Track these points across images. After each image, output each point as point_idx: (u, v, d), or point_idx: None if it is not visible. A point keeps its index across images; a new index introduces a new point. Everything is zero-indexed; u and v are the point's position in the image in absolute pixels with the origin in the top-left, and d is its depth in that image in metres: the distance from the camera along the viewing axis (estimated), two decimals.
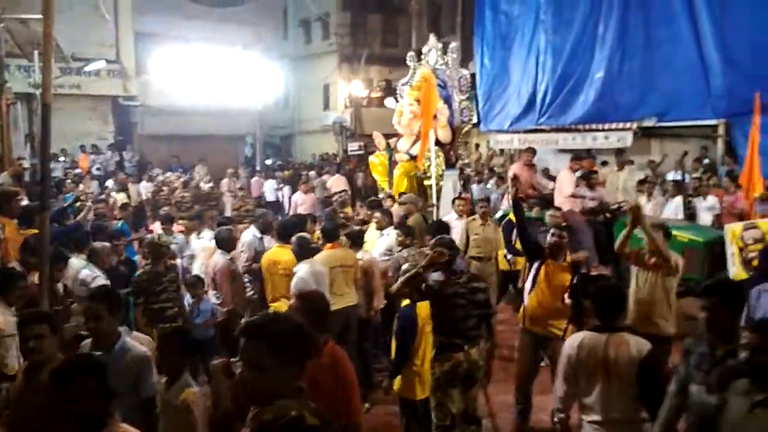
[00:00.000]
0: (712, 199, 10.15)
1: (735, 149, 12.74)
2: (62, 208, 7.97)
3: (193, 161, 20.50)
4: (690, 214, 10.34)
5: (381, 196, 10.54)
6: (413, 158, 10.35)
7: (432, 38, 11.59)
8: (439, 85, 10.53)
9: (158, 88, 21.87)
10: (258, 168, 21.17)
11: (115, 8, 21.15)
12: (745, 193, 8.07)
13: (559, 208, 8.03)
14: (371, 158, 11.69)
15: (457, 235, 7.36)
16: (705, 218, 10.06)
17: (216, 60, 22.02)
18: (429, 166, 9.67)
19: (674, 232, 7.85)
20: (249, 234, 7.17)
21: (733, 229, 7.13)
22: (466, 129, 11.14)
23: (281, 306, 5.84)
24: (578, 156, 10.55)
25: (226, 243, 6.62)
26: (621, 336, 3.70)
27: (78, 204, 8.62)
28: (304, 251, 5.94)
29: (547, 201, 9.28)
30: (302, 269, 5.72)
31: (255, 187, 19.01)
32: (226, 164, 19.91)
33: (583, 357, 3.68)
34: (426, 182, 10.13)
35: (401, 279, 4.63)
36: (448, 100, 10.67)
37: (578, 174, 9.88)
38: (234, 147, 24.93)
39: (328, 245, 6.27)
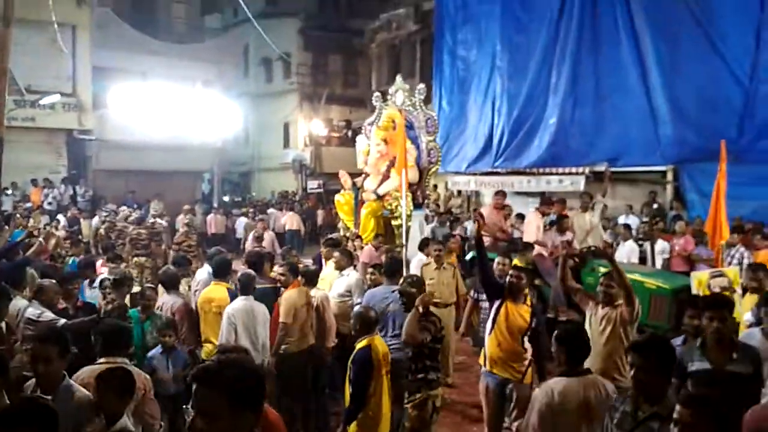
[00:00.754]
0: (662, 244, 10.34)
1: (683, 194, 13.23)
2: (13, 243, 7.70)
3: (149, 197, 20.18)
4: (641, 258, 10.56)
5: (347, 234, 10.54)
6: (380, 198, 10.34)
7: (398, 79, 11.60)
8: (406, 126, 10.45)
9: (115, 122, 21.57)
10: (215, 204, 20.99)
11: (73, 42, 20.92)
12: (711, 240, 7.95)
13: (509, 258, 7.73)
14: (337, 197, 11.58)
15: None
16: (657, 262, 10.27)
17: (175, 96, 21.90)
18: (397, 206, 9.63)
19: (640, 278, 7.92)
20: (203, 272, 7.07)
21: (699, 277, 6.96)
22: (433, 169, 11.13)
23: (210, 348, 5.80)
24: (547, 199, 10.47)
25: (170, 281, 6.43)
26: (593, 378, 3.69)
27: (29, 240, 8.35)
28: (246, 289, 5.85)
29: (515, 245, 9.27)
30: (236, 304, 5.70)
31: (211, 223, 18.85)
32: (184, 200, 19.66)
33: (564, 403, 3.55)
34: (393, 222, 10.10)
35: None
36: (415, 141, 10.67)
37: (549, 218, 9.90)
38: (192, 183, 24.65)
39: (293, 283, 6.26)
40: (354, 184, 11.03)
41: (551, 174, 14.73)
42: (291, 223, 18.61)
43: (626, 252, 10.12)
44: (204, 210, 20.08)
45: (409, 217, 9.53)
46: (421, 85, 11.27)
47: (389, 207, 10.10)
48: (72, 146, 21.84)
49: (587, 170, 14.35)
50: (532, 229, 9.64)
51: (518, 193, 15.19)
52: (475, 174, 16.30)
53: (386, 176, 10.41)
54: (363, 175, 11.09)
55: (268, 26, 22.57)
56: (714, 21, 12.88)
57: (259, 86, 29.29)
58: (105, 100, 21.62)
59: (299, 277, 6.39)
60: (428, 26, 21.02)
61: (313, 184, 25.54)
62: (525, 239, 9.46)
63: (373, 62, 26.16)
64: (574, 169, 14.49)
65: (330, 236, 10.29)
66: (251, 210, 19.67)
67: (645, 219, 12.26)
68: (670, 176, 13.91)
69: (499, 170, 15.79)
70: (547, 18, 15.01)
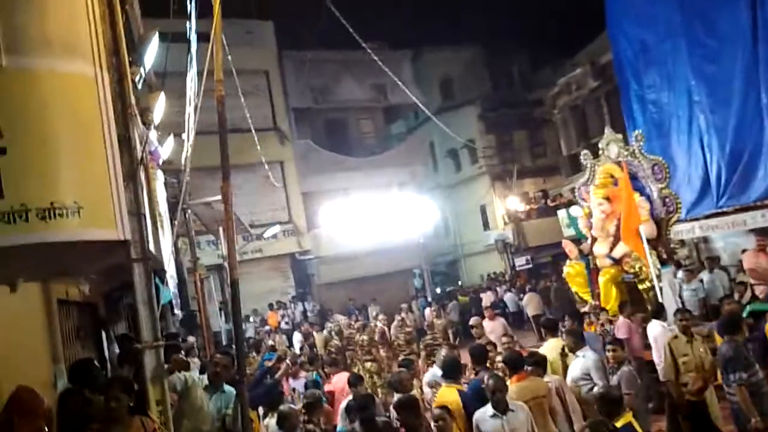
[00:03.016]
0: None
1: None
2: (264, 371, 8.24)
3: (366, 302, 21.18)
4: None
5: (585, 309, 9.79)
6: (617, 262, 9.59)
7: (608, 130, 10.83)
8: (630, 177, 9.69)
9: (328, 239, 23.34)
10: (429, 298, 21.37)
11: (282, 175, 23.35)
12: None
13: None
14: (566, 269, 10.82)
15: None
16: None
17: (375, 203, 23.23)
18: (641, 267, 8.87)
19: None
20: (429, 375, 7.05)
21: None
22: (674, 219, 9.93)
23: None
24: None
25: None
26: None
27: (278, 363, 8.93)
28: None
29: None
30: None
31: (429, 317, 19.10)
32: (399, 299, 20.32)
33: None
34: (640, 286, 9.20)
35: None
36: (643, 192, 9.73)
37: None
38: (404, 282, 25.50)
39: (514, 378, 5.87)
40: (581, 252, 10.40)
41: None
42: (531, 303, 17.63)
43: None
44: (421, 305, 20.51)
45: (658, 277, 8.71)
46: (638, 131, 10.50)
47: (632, 270, 9.22)
48: (295, 267, 23.93)
49: None
50: None
51: (752, 230, 13.54)
52: (697, 219, 14.86)
53: (617, 237, 9.63)
54: (589, 241, 10.38)
55: (448, 119, 23.38)
56: None
57: (449, 177, 30.07)
58: (316, 221, 23.56)
59: (525, 367, 5.94)
60: (609, 79, 20.29)
61: (520, 261, 25.08)
62: None
63: (559, 128, 25.70)
64: None
65: (548, 317, 9.75)
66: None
67: None
68: None
69: (725, 209, 14.25)
70: (740, 38, 13.71)
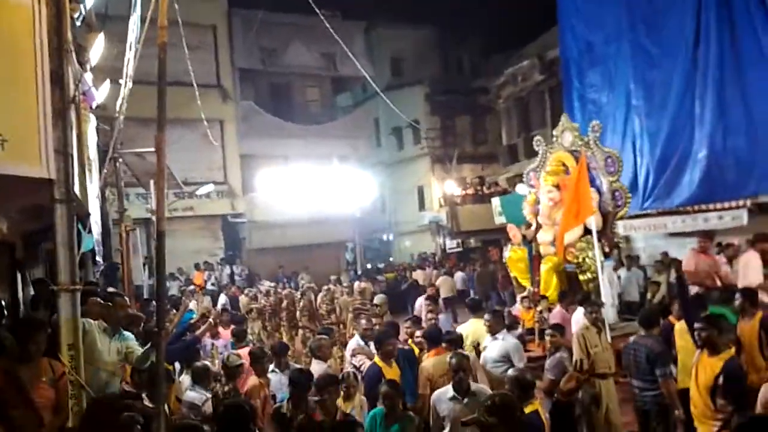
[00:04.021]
0: None
1: None
2: (184, 328, 8.17)
3: (298, 270, 21.15)
4: None
5: (524, 294, 9.80)
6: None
7: (564, 118, 10.53)
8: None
9: (263, 204, 23.08)
10: (359, 272, 21.52)
11: (221, 134, 22.86)
12: None
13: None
14: (507, 253, 10.63)
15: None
16: None
17: (314, 173, 23.10)
18: (584, 258, 8.84)
19: None
20: (353, 342, 7.16)
21: None
22: (621, 213, 9.79)
23: None
24: (764, 236, 8.65)
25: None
26: None
27: (199, 320, 8.86)
28: None
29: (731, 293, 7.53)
30: None
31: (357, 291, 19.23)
32: (330, 271, 20.38)
33: None
34: (581, 277, 9.12)
35: None
36: (593, 183, 9.53)
37: None
38: (336, 254, 25.56)
39: (432, 351, 6.08)
40: (524, 237, 10.21)
41: (708, 210, 13.63)
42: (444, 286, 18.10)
43: None
44: (350, 278, 20.62)
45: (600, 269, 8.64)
46: (596, 122, 10.27)
47: (575, 260, 9.14)
48: (226, 230, 23.59)
49: (749, 202, 13.14)
50: (752, 272, 7.97)
51: (673, 234, 14.20)
52: (621, 218, 15.46)
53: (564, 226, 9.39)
54: (534, 227, 10.22)
55: (395, 97, 23.37)
56: None
57: (391, 155, 30.17)
58: (253, 184, 23.23)
59: (442, 344, 6.15)
60: (555, 75, 20.72)
61: (451, 244, 25.55)
62: (742, 284, 7.79)
63: (502, 117, 26.14)
64: (733, 203, 13.32)
65: (473, 297, 9.96)
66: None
67: None
68: None
69: (649, 212, 14.87)
70: (682, 49, 14.23)
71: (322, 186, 22.99)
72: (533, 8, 21.83)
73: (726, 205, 13.43)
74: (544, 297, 8.96)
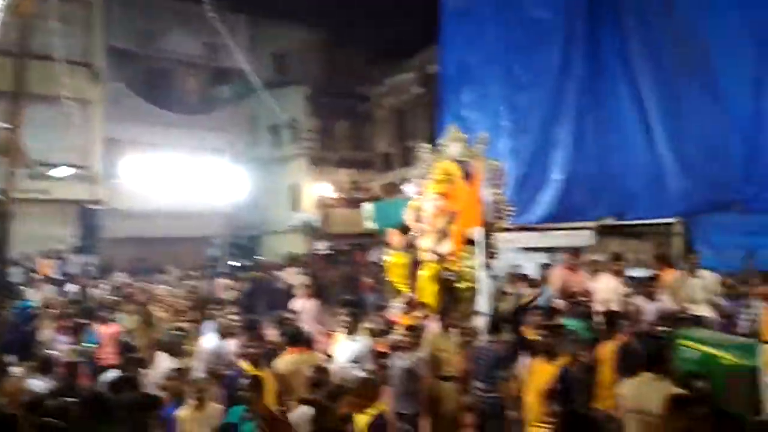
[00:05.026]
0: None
1: (692, 246, 13.11)
2: (23, 318, 7.64)
3: (159, 264, 20.27)
4: None
5: (400, 300, 9.66)
6: (440, 258, 9.46)
7: (452, 128, 10.54)
8: (464, 178, 9.63)
9: (126, 192, 21.95)
10: (223, 270, 21.04)
11: (85, 116, 21.50)
12: None
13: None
14: (387, 258, 10.49)
15: None
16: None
17: (185, 164, 22.33)
18: (463, 267, 8.90)
19: (711, 351, 5.90)
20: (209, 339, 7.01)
21: None
22: (501, 226, 9.91)
23: None
24: (617, 255, 8.83)
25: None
26: None
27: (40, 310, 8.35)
28: None
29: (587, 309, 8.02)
30: None
31: (219, 288, 18.77)
32: (194, 266, 19.77)
33: None
34: (457, 285, 9.22)
35: None
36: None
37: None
38: (200, 249, 24.82)
39: (289, 349, 6.09)
40: (406, 242, 10.11)
41: (559, 229, 14.69)
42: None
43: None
44: (214, 275, 20.08)
45: (475, 279, 8.84)
46: (484, 134, 10.43)
47: (454, 269, 9.18)
48: (84, 216, 22.16)
49: (595, 225, 14.31)
50: (606, 292, 8.25)
51: (526, 249, 15.12)
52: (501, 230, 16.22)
53: (445, 233, 9.53)
54: (418, 233, 10.12)
55: (276, 94, 23.12)
56: (713, 73, 12.99)
57: (268, 152, 29.76)
58: (116, 170, 22.05)
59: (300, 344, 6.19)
60: (432, 90, 21.41)
61: (320, 246, 25.67)
62: (599, 302, 8.12)
63: (380, 125, 26.66)
64: (581, 224, 14.45)
65: (345, 296, 9.98)
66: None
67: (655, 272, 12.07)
68: (678, 229, 13.81)
69: (508, 227, 15.74)
70: (549, 77, 15.26)
71: (193, 178, 22.28)
72: (418, 23, 22.47)
73: (576, 225, 14.55)
74: (423, 304, 8.87)
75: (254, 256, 28.34)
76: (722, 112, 12.95)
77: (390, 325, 8.44)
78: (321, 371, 5.78)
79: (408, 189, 10.99)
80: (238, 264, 24.41)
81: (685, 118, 13.37)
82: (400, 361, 6.48)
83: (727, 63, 12.89)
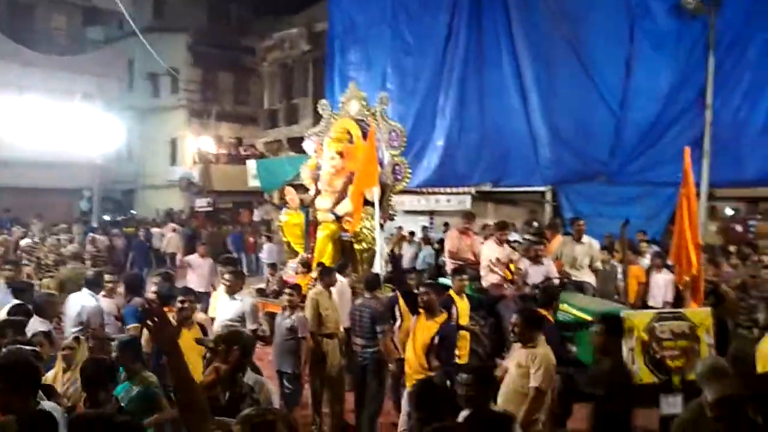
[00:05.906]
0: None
1: (561, 214, 14.04)
2: None
3: (26, 216, 18.88)
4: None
5: (298, 260, 9.53)
6: (338, 219, 9.24)
7: (352, 86, 10.21)
8: (363, 138, 9.32)
9: None
10: (95, 224, 19.99)
11: None
12: (678, 275, 6.60)
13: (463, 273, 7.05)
14: (282, 217, 10.18)
15: None
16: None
17: (53, 109, 20.76)
18: (361, 228, 8.76)
19: (581, 315, 6.33)
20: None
21: (635, 317, 5.62)
22: (399, 188, 9.69)
23: None
24: (503, 224, 8.83)
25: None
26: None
27: None
28: None
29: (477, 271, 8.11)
30: None
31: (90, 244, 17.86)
32: (61, 220, 18.61)
33: None
34: (356, 246, 9.07)
35: None
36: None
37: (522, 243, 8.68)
38: (70, 201, 23.38)
39: (166, 308, 5.90)
40: (302, 202, 9.92)
41: (440, 193, 15.19)
42: (171, 243, 17.90)
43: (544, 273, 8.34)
44: (86, 229, 19.02)
45: (374, 240, 8.80)
46: (384, 93, 10.22)
47: (354, 230, 8.97)
48: None
49: (473, 190, 14.93)
50: (485, 260, 8.19)
51: (408, 212, 15.52)
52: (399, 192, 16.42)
53: (343, 195, 9.28)
54: (312, 192, 9.93)
55: (154, 40, 21.85)
56: (588, 49, 13.79)
57: (144, 101, 28.22)
58: None
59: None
60: (320, 47, 21.15)
61: (201, 203, 24.92)
62: (485, 269, 8.14)
63: (265, 80, 25.98)
64: (460, 189, 15.02)
65: (226, 255, 9.75)
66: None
67: (527, 237, 12.75)
68: (549, 197, 14.71)
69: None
70: (435, 42, 15.54)
71: (61, 125, 20.76)
72: None
73: (455, 190, 15.12)
74: (321, 264, 8.44)
75: (129, 211, 27.11)
76: (594, 88, 13.84)
77: (284, 286, 8.42)
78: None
79: (305, 146, 10.50)
80: (112, 219, 23.29)
81: (559, 91, 14.15)
82: (282, 320, 6.54)
83: (600, 41, 13.73)
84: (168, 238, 18.12)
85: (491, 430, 3.45)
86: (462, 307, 6.61)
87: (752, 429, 2.92)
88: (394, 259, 12.54)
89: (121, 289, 6.99)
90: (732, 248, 10.62)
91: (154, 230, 19.32)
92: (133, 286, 6.71)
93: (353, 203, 8.75)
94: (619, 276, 8.83)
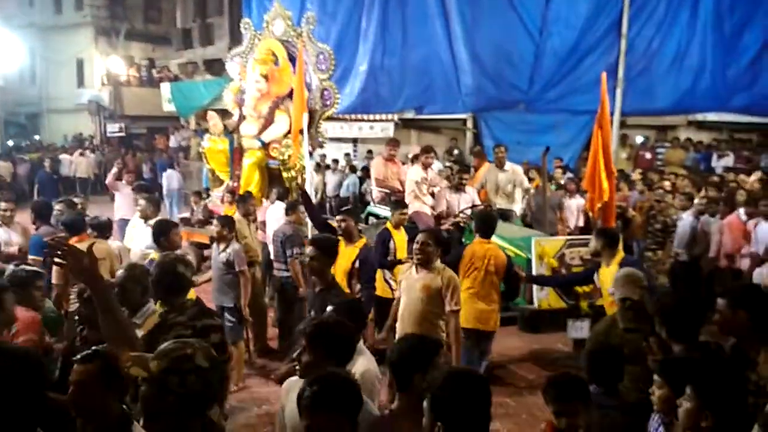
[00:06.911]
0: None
1: (481, 141, 14.24)
2: None
3: None
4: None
5: (221, 189, 9.29)
6: (265, 146, 8.91)
7: (277, 4, 9.41)
8: (289, 60, 8.89)
9: None
10: None
11: None
12: (590, 202, 6.53)
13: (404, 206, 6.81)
14: (205, 143, 9.70)
15: None
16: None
17: None
18: (289, 155, 8.44)
19: (500, 243, 6.06)
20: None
21: (546, 244, 5.84)
22: (328, 113, 9.28)
23: None
24: (428, 148, 8.58)
25: None
26: None
27: None
28: None
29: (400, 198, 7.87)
30: None
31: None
32: None
33: None
34: (285, 174, 8.74)
35: None
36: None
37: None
38: None
39: (75, 238, 5.65)
40: (226, 128, 9.46)
41: (363, 120, 15.04)
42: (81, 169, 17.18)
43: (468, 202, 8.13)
44: None
45: (303, 168, 8.41)
46: (311, 13, 9.59)
47: (279, 157, 8.67)
48: None
49: (396, 117, 14.86)
50: (411, 185, 7.99)
51: (331, 139, 15.32)
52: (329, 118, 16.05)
53: (269, 120, 8.89)
54: (236, 118, 9.47)
55: None
56: None
57: (46, 17, 26.21)
58: None
59: (88, 230, 5.83)
60: None
61: (113, 128, 23.76)
62: (409, 194, 7.93)
63: None
64: (384, 116, 14.92)
65: (141, 182, 9.42)
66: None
67: (447, 164, 12.91)
68: (470, 124, 14.87)
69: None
70: None
71: None
72: None
73: (378, 117, 15.00)
74: (249, 193, 8.16)
75: (33, 136, 25.59)
76: (516, 17, 13.84)
77: (210, 215, 8.25)
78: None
79: (228, 68, 9.92)
80: (15, 144, 21.97)
81: (482, 18, 14.08)
82: (217, 255, 6.32)
83: None
84: (76, 163, 17.30)
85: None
86: (399, 240, 6.53)
87: (659, 340, 3.11)
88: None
89: (19, 218, 6.61)
90: (638, 174, 11.13)
91: (63, 156, 18.38)
92: (41, 215, 6.35)
93: (293, 135, 8.32)
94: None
